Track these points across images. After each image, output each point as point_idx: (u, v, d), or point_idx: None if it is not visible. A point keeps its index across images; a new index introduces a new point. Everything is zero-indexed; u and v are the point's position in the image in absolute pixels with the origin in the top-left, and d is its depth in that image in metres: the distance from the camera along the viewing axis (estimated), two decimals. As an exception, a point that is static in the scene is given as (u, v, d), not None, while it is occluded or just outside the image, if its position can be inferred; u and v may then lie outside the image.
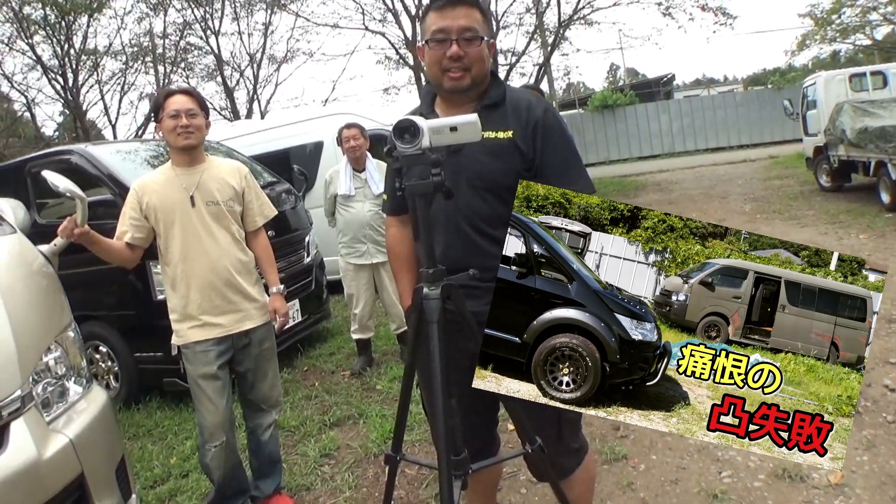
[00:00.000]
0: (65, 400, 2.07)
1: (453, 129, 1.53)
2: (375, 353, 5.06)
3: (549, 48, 15.87)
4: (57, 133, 21.30)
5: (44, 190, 4.83)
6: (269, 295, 2.86)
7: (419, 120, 1.52)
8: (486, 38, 1.85)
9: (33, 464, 1.76)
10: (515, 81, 18.33)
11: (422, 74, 15.37)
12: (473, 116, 1.58)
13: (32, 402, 1.87)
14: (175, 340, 2.71)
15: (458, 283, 1.66)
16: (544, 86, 19.19)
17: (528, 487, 2.91)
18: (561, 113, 26.58)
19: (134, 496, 2.29)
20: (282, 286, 2.87)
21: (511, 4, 16.13)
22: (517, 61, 16.45)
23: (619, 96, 25.75)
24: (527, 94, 1.96)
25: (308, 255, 5.79)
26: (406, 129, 1.50)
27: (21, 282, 2.08)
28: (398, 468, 1.89)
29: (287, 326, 5.06)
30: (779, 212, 9.31)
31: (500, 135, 1.85)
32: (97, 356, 4.86)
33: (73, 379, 2.15)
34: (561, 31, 15.36)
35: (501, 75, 15.35)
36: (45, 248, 2.35)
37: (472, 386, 1.83)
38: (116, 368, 4.81)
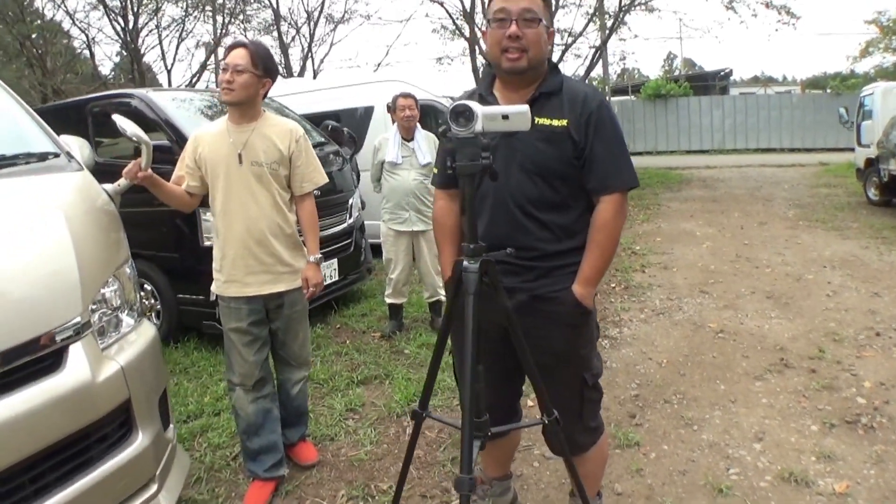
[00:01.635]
0: (118, 330, 2.21)
1: (505, 116, 1.61)
2: (406, 318, 5.18)
3: (608, 31, 15.62)
4: (113, 73, 21.72)
5: (101, 129, 5.05)
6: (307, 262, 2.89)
7: (475, 105, 1.60)
8: (544, 23, 1.91)
9: (87, 385, 1.89)
10: (570, 63, 18.19)
11: (476, 48, 15.30)
12: (525, 107, 1.66)
13: (90, 329, 2.00)
14: (213, 288, 2.82)
15: (495, 259, 1.74)
16: (598, 70, 18.97)
17: (541, 462, 3.00)
18: (613, 98, 26.29)
19: (172, 426, 2.44)
20: (319, 255, 2.87)
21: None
22: (573, 42, 16.20)
23: (673, 86, 25.28)
24: (583, 87, 2.05)
25: (350, 217, 5.91)
26: (461, 114, 1.59)
27: (87, 217, 2.21)
28: (422, 424, 1.99)
29: (325, 284, 5.25)
30: (822, 221, 9.15)
31: (555, 123, 1.93)
32: (142, 293, 5.05)
33: (126, 312, 2.28)
34: (621, 15, 15.09)
35: (556, 55, 15.31)
36: (108, 186, 2.48)
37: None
38: (159, 307, 5.01)
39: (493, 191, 1.96)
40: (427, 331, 4.95)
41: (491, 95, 2.03)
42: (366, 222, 6.42)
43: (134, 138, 2.37)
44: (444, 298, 5.05)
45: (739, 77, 40.80)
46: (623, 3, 14.90)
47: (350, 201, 5.95)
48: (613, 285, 6.23)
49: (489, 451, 2.48)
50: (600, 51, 16.38)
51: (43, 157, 2.37)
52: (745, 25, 16.29)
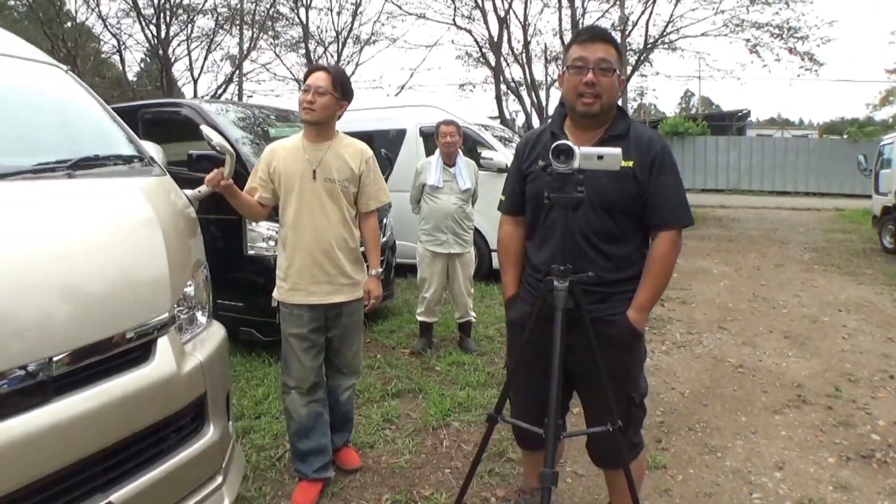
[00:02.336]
0: (193, 328, 2.33)
1: (600, 157, 1.82)
2: (435, 337, 5.30)
3: (632, 68, 15.88)
4: (137, 79, 22.09)
5: (151, 136, 5.22)
6: (368, 275, 3.03)
7: (574, 146, 1.78)
8: (617, 72, 2.10)
9: (173, 376, 2.01)
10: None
11: (500, 76, 15.59)
12: (618, 150, 1.87)
13: (175, 324, 2.14)
14: (275, 294, 2.95)
15: (581, 280, 1.92)
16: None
17: (574, 478, 3.12)
18: (630, 133, 26.59)
19: (231, 423, 2.56)
20: (380, 270, 3.01)
21: (598, 19, 16.08)
22: (596, 76, 16.44)
23: (690, 125, 25.53)
24: (648, 132, 2.23)
25: (383, 237, 6.06)
26: (563, 151, 1.78)
27: (172, 219, 2.33)
28: (494, 428, 2.12)
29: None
30: (837, 265, 9.26)
31: (623, 163, 2.07)
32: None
33: (199, 311, 2.42)
34: (646, 53, 15.36)
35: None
36: (190, 192, 2.63)
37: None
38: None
39: (562, 221, 2.12)
40: (456, 350, 5.08)
41: (563, 133, 2.20)
42: (398, 242, 6.58)
43: (218, 148, 2.53)
44: (473, 319, 5.19)
45: (757, 118, 41.13)
46: (648, 42, 15.18)
47: (384, 220, 6.10)
48: (634, 317, 6.34)
49: (532, 462, 2.61)
50: (623, 86, 16.61)
51: (128, 160, 2.51)
52: (768, 69, 16.54)
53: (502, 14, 15.27)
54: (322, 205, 2.82)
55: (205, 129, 2.54)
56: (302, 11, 19.61)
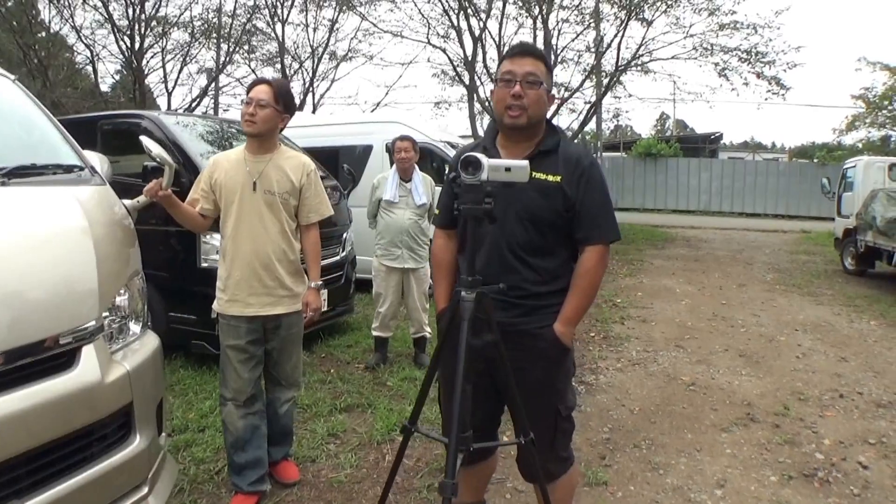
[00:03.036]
0: (124, 337, 2.33)
1: (508, 169, 1.85)
2: (390, 352, 5.31)
3: (603, 89, 16.11)
4: (111, 91, 21.94)
5: (109, 146, 5.20)
6: (308, 287, 3.03)
7: (483, 157, 1.83)
8: (545, 86, 2.14)
9: (96, 384, 2.00)
10: (565, 116, 18.68)
11: (475, 95, 15.73)
12: (525, 162, 1.90)
13: (102, 333, 2.12)
14: (214, 306, 2.96)
15: (489, 293, 1.93)
16: (592, 125, 19.46)
17: (513, 494, 3.14)
18: (604, 154, 26.80)
19: (164, 434, 2.54)
20: (321, 282, 3.03)
21: (573, 40, 16.35)
22: (569, 97, 16.70)
23: (663, 146, 25.94)
24: (577, 148, 2.28)
25: (343, 251, 6.09)
26: (471, 163, 1.81)
27: (107, 228, 2.34)
28: (410, 438, 2.13)
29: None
30: (798, 286, 9.44)
31: (550, 178, 2.15)
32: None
33: (133, 320, 2.42)
34: (617, 75, 15.59)
35: (552, 109, 15.73)
36: (128, 202, 2.64)
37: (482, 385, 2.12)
38: (149, 323, 5.10)
39: (491, 234, 2.16)
40: (410, 365, 5.09)
41: (494, 148, 2.25)
42: (359, 257, 6.59)
43: (158, 159, 2.54)
44: (428, 335, 5.20)
45: (730, 141, 41.89)
46: (620, 64, 15.42)
47: (344, 235, 6.12)
48: (593, 334, 6.41)
49: (466, 477, 2.61)
50: (595, 107, 16.87)
51: (69, 169, 2.52)
52: (737, 93, 16.88)
53: (477, 33, 15.43)
54: (261, 217, 2.84)
55: (144, 139, 2.55)
56: (278, 27, 19.71)
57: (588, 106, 16.70)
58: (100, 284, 2.13)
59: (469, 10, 15.08)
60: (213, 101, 20.15)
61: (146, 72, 18.24)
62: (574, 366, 2.39)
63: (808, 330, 6.76)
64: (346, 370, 5.03)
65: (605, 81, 15.98)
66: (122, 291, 2.35)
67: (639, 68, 15.81)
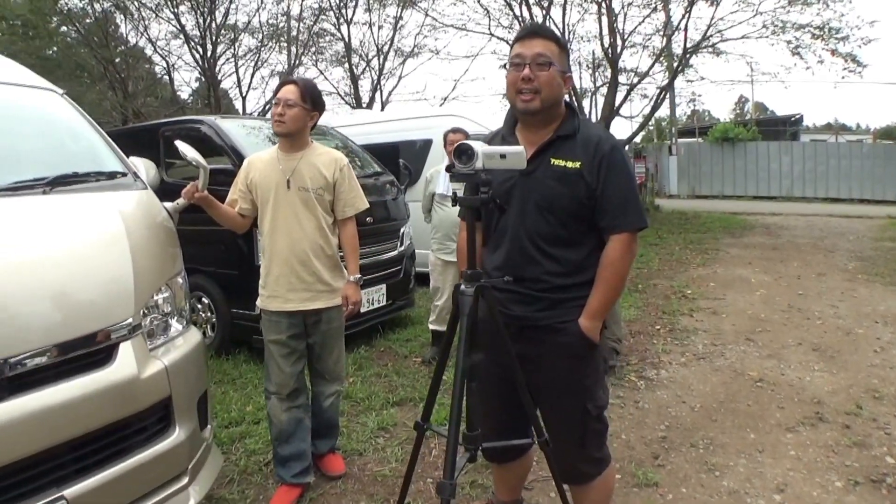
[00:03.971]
0: (166, 334, 2.43)
1: (503, 156, 1.79)
2: (447, 346, 5.30)
3: (673, 73, 15.61)
4: (191, 98, 22.89)
5: (172, 151, 5.42)
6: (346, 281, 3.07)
7: (476, 145, 1.78)
8: (557, 67, 2.05)
9: (132, 379, 2.11)
10: (636, 103, 18.23)
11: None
12: (520, 148, 1.83)
13: (140, 331, 2.22)
14: (257, 302, 3.04)
15: (492, 286, 1.89)
16: (665, 110, 18.89)
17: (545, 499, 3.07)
18: (680, 140, 25.92)
19: (209, 427, 2.64)
20: (359, 276, 3.08)
21: (640, 24, 15.91)
22: (639, 82, 16.28)
23: (741, 130, 24.86)
24: (598, 131, 2.17)
25: (401, 245, 6.12)
26: (464, 152, 1.77)
27: (146, 230, 2.45)
28: (423, 436, 2.13)
29: (371, 309, 5.46)
30: (881, 275, 8.84)
31: (569, 164, 2.06)
32: (199, 306, 5.39)
33: (175, 318, 2.51)
34: (686, 57, 15.07)
35: (621, 95, 15.36)
36: (169, 205, 2.74)
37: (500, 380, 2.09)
38: (214, 319, 5.31)
39: (511, 226, 2.11)
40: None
41: (512, 136, 2.19)
42: (419, 251, 6.63)
43: (193, 162, 2.62)
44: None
45: (812, 123, 39.81)
46: (689, 46, 14.90)
47: (402, 230, 6.16)
48: (658, 327, 6.22)
49: (501, 475, 2.59)
50: (666, 91, 16.37)
51: (112, 175, 2.64)
52: (812, 72, 15.97)
53: (539, 22, 15.22)
54: (297, 213, 2.89)
55: (179, 144, 2.64)
56: (344, 28, 20.02)
57: (659, 91, 16.20)
58: (136, 284, 2.23)
59: (530, 0, 14.90)
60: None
61: (220, 78, 18.90)
62: (606, 362, 2.32)
63: (889, 322, 6.33)
64: (403, 364, 5.07)
65: (675, 65, 15.47)
66: (162, 289, 2.44)
67: (709, 50, 15.22)
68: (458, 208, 4.86)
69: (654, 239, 12.72)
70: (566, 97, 2.18)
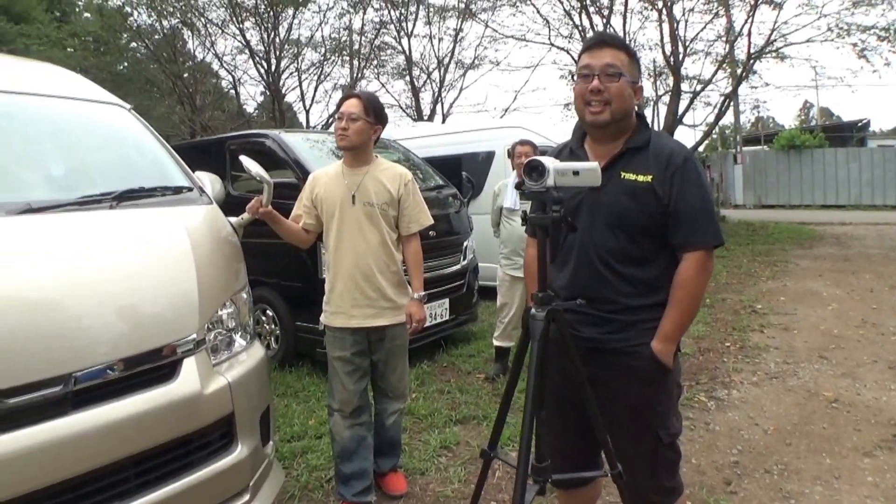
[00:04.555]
0: (230, 349, 2.42)
1: (576, 172, 1.70)
2: (511, 363, 5.22)
3: (737, 79, 15.16)
4: (256, 112, 23.47)
5: (238, 165, 5.51)
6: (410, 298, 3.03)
7: (547, 161, 1.70)
8: (628, 77, 1.96)
9: (195, 395, 2.10)
10: (700, 111, 17.78)
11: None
12: (594, 164, 1.74)
13: (204, 346, 2.22)
14: (321, 318, 3.03)
15: (565, 309, 1.80)
16: (729, 118, 18.35)
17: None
18: (745, 148, 25.19)
19: (272, 442, 2.62)
20: (423, 293, 3.03)
21: (701, 30, 15.52)
22: (702, 90, 15.87)
23: (807, 137, 23.98)
24: (671, 142, 2.06)
25: (464, 259, 6.06)
26: (535, 168, 1.69)
27: (210, 245, 2.46)
28: (490, 464, 2.05)
29: (433, 324, 5.41)
30: (961, 288, 8.33)
31: (640, 178, 1.96)
32: (264, 318, 5.45)
33: (239, 333, 2.51)
34: (750, 63, 14.62)
35: (684, 103, 15.00)
36: (233, 219, 2.75)
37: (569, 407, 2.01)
38: (278, 332, 5.36)
39: (579, 243, 2.02)
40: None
41: (581, 149, 2.10)
42: (483, 265, 6.57)
43: (257, 178, 2.63)
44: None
45: (879, 128, 38.02)
46: (753, 51, 14.45)
47: (465, 243, 6.10)
48: (728, 344, 5.99)
49: (567, 501, 2.49)
50: (730, 99, 15.91)
51: (178, 190, 2.67)
52: (879, 75, 15.26)
53: (600, 31, 15.03)
54: (361, 229, 2.87)
55: (244, 159, 2.65)
56: (405, 41, 20.22)
57: (723, 98, 15.76)
58: (200, 300, 2.23)
59: (591, 9, 14.72)
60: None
61: (284, 92, 19.32)
62: (679, 388, 2.18)
63: (974, 339, 5.94)
64: (466, 380, 5.00)
65: (739, 71, 15.02)
66: (226, 305, 2.44)
67: (773, 55, 14.72)
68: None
69: (722, 251, 12.21)
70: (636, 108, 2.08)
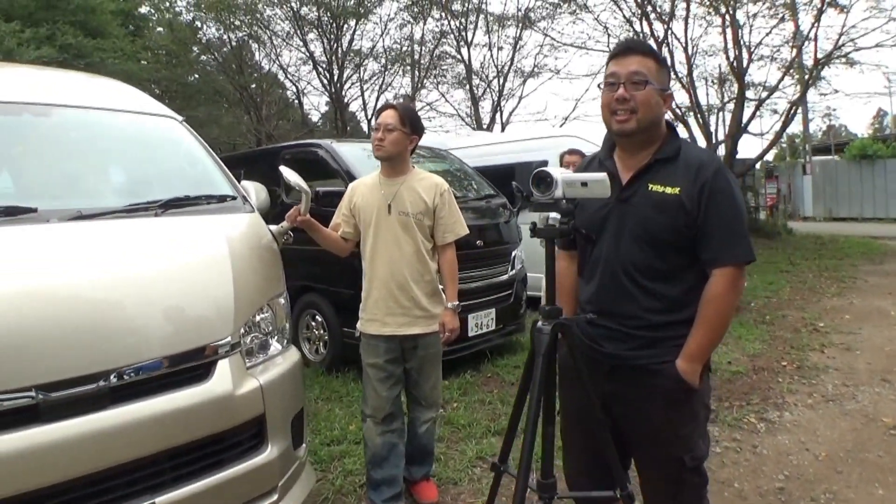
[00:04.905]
0: (265, 353, 2.50)
1: (584, 184, 1.68)
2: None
3: (805, 86, 14.65)
4: (321, 122, 23.98)
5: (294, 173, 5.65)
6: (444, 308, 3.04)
7: (555, 171, 1.69)
8: (655, 85, 1.92)
9: (227, 396, 2.18)
10: (766, 119, 17.28)
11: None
12: (603, 175, 1.72)
13: (238, 349, 2.30)
14: (357, 325, 3.09)
15: (573, 323, 1.81)
16: (796, 126, 17.74)
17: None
18: (814, 158, 24.27)
19: (304, 445, 2.69)
20: (457, 302, 3.04)
21: (766, 35, 15.09)
22: (768, 96, 15.40)
23: (880, 146, 22.91)
24: (702, 153, 2.01)
25: (512, 269, 6.03)
26: (542, 180, 1.69)
27: (249, 251, 2.56)
28: (501, 477, 2.05)
29: (479, 333, 5.41)
30: None
31: (668, 190, 1.91)
32: (313, 323, 5.56)
33: (275, 337, 2.59)
34: (818, 69, 14.11)
35: (749, 111, 14.58)
36: (274, 227, 2.84)
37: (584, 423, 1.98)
38: (326, 337, 5.46)
39: (604, 256, 1.99)
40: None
41: (609, 160, 2.06)
42: (531, 275, 6.53)
43: (296, 187, 2.71)
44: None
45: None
46: (820, 57, 13.96)
47: (513, 253, 6.08)
48: (784, 364, 5.79)
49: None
50: (796, 106, 15.40)
51: (222, 198, 2.77)
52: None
53: (660, 37, 14.79)
54: (397, 238, 2.91)
55: (283, 169, 2.73)
56: (464, 50, 20.34)
57: (790, 105, 15.26)
58: (236, 304, 2.31)
59: (651, 15, 14.50)
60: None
61: (347, 101, 19.69)
62: (708, 409, 2.09)
63: None
64: (509, 392, 4.97)
65: (806, 77, 14.52)
66: (263, 309, 2.52)
67: (842, 60, 14.17)
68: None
69: (786, 265, 11.93)
70: (667, 117, 2.05)
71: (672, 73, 15.80)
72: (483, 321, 5.50)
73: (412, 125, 2.95)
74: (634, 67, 1.91)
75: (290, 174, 2.70)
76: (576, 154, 4.92)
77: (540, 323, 1.78)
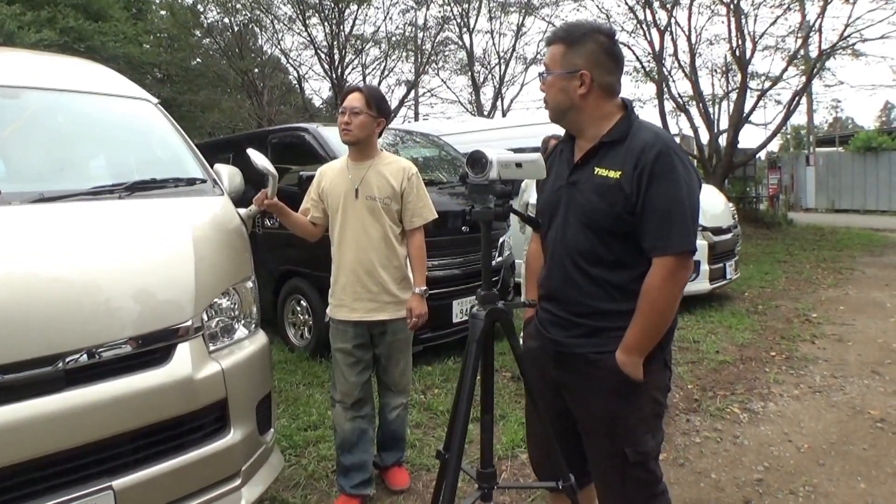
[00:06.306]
0: (230, 336, 2.48)
1: (518, 164, 1.65)
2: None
3: (808, 76, 14.52)
4: (323, 107, 23.88)
5: (280, 157, 5.61)
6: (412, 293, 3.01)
7: (490, 153, 1.65)
8: (558, 72, 1.89)
9: (187, 379, 2.16)
10: (770, 109, 17.17)
11: (664, 89, 14.95)
12: (536, 155, 1.71)
13: (200, 333, 2.28)
14: (327, 311, 3.07)
15: (508, 308, 1.81)
16: (801, 117, 17.63)
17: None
18: (819, 149, 24.12)
19: (271, 430, 2.67)
20: (425, 288, 2.99)
21: (771, 25, 14.94)
22: (771, 87, 15.27)
23: (885, 139, 22.75)
24: (648, 135, 1.85)
25: (499, 255, 6.01)
26: (477, 161, 1.65)
27: (214, 234, 2.53)
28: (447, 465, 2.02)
29: (464, 319, 5.37)
30: None
31: (610, 174, 1.83)
32: (298, 308, 5.55)
33: (242, 321, 2.56)
34: (822, 60, 13.98)
35: (752, 101, 14.45)
36: (243, 211, 2.81)
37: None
38: (311, 322, 5.45)
39: (552, 241, 1.95)
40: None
41: (567, 144, 2.04)
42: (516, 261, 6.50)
43: (263, 170, 2.67)
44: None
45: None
46: (825, 48, 13.82)
47: (501, 239, 6.05)
48: (773, 354, 5.75)
49: (556, 504, 2.43)
50: (800, 97, 15.28)
51: (191, 181, 2.75)
52: (959, 73, 14.46)
53: (664, 25, 14.66)
54: (364, 223, 2.88)
55: (251, 152, 2.69)
56: (466, 36, 20.22)
57: (793, 96, 15.14)
58: (197, 287, 2.29)
59: (654, 4, 14.37)
60: (409, 110, 21.16)
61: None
62: (658, 404, 1.97)
63: None
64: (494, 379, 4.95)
65: (812, 68, 14.40)
66: (229, 293, 2.50)
67: (847, 52, 14.03)
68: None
69: (784, 256, 11.88)
70: (620, 99, 1.95)
71: (675, 62, 15.84)
72: (468, 308, 5.46)
73: (378, 108, 2.90)
74: (546, 60, 1.93)
75: (257, 157, 2.66)
76: (555, 139, 4.89)
77: (475, 308, 1.74)
